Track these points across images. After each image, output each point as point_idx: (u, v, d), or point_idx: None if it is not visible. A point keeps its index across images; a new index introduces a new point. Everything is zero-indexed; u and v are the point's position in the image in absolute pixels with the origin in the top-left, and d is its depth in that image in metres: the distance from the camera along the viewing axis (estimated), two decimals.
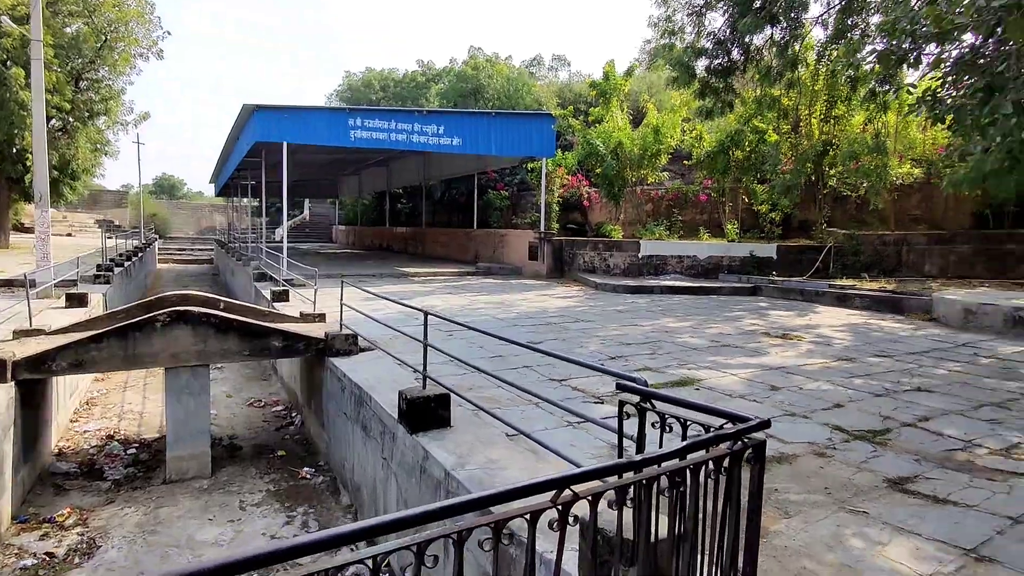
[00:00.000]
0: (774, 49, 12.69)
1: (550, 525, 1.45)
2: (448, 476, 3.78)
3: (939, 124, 8.06)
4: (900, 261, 15.41)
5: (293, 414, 9.01)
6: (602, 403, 5.20)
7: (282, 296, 10.94)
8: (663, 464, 1.76)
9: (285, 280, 12.35)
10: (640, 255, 16.18)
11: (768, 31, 12.82)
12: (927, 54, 6.32)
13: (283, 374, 10.36)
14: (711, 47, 13.50)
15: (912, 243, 15.57)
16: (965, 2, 5.89)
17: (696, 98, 13.74)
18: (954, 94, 6.63)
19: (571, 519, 1.46)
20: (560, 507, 1.45)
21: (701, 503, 1.87)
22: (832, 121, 16.02)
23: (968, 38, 6.19)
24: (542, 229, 17.78)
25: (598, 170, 17.49)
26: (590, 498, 1.52)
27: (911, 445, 4.26)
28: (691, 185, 18.82)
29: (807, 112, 16.40)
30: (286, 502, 6.23)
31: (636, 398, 2.28)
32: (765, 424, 1.90)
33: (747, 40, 13.16)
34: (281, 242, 16.96)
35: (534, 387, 5.62)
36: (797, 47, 13.09)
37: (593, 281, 15.04)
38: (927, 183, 16.15)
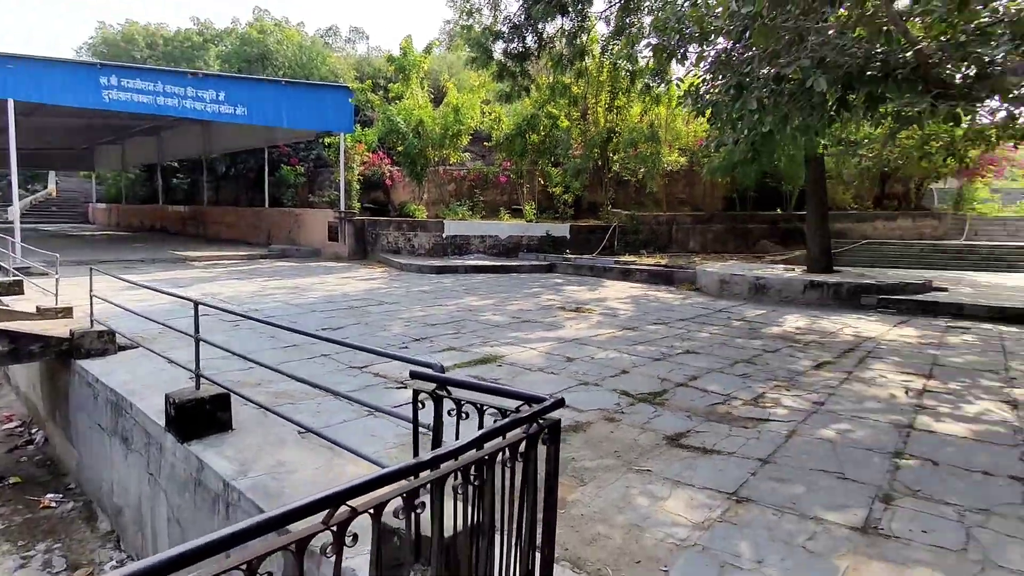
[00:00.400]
0: (564, 38, 13.38)
1: (323, 551, 1.23)
2: (228, 487, 3.31)
3: (700, 117, 9.13)
4: (671, 239, 17.47)
5: (33, 431, 7.43)
6: (405, 388, 5.01)
7: (13, 288, 8.93)
8: (460, 458, 1.63)
9: (18, 268, 10.14)
10: (444, 235, 16.20)
11: (559, 21, 13.47)
12: (692, 52, 7.05)
13: (19, 383, 8.50)
14: (507, 31, 13.80)
15: (680, 223, 17.73)
16: (719, 10, 6.67)
17: (494, 80, 14.01)
18: (712, 91, 7.51)
19: (349, 539, 1.24)
20: (335, 528, 1.23)
21: (499, 488, 1.78)
22: (615, 111, 17.48)
23: (723, 41, 7.01)
24: (342, 208, 16.92)
25: (400, 148, 17.08)
26: (372, 511, 1.32)
27: (684, 403, 4.74)
28: (492, 166, 19.28)
29: (594, 101, 17.67)
30: (20, 540, 5.08)
31: (431, 385, 2.13)
32: (559, 403, 1.86)
33: (540, 27, 13.69)
34: (13, 222, 13.88)
35: (332, 376, 5.25)
36: (585, 39, 13.94)
37: (398, 262, 14.72)
38: (690, 170, 18.45)
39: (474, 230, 16.56)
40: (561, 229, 16.94)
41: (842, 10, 6.60)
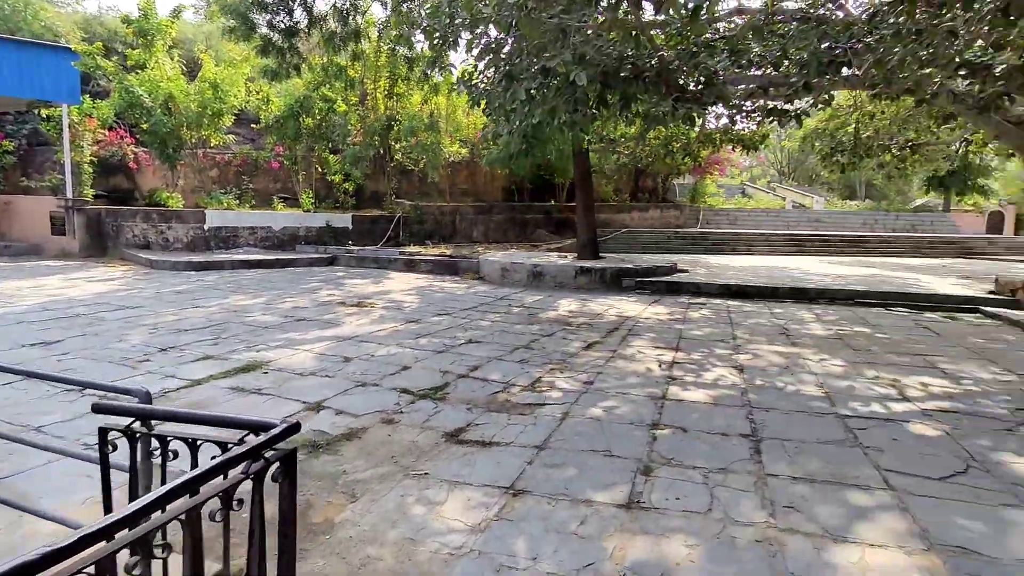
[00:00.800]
0: (337, 16, 12.61)
1: None
2: None
3: (477, 108, 9.22)
4: (455, 229, 17.68)
5: None
6: None
7: None
8: (167, 509, 1.23)
9: None
10: (206, 227, 14.39)
11: None
12: (463, 39, 7.00)
13: None
14: (273, 2, 12.60)
15: (463, 213, 18.03)
16: None
17: (259, 55, 12.71)
18: (485, 80, 7.57)
19: None
20: None
21: (222, 540, 1.40)
22: (395, 98, 17.08)
23: (495, 30, 7.07)
24: (70, 195, 14.07)
25: (145, 126, 14.70)
26: None
27: (465, 395, 4.65)
28: (262, 151, 17.61)
29: (373, 87, 17.06)
30: None
31: (126, 420, 1.64)
32: (293, 428, 1.52)
33: (310, 2, 12.74)
34: None
35: (39, 404, 4.20)
36: (360, 20, 13.32)
37: (147, 258, 12.68)
38: (472, 161, 18.87)
39: (243, 221, 14.97)
40: (343, 219, 16.13)
41: (598, 15, 7.05)
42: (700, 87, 7.05)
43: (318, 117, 16.26)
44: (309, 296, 9.44)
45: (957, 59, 6.09)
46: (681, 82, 7.31)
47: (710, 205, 25.47)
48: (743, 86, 7.72)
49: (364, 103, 17.15)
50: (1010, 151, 12.33)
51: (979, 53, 6.85)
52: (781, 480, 3.21)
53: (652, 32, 7.31)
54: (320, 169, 17.47)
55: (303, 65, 13.25)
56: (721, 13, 7.67)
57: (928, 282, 11.66)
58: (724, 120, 12.47)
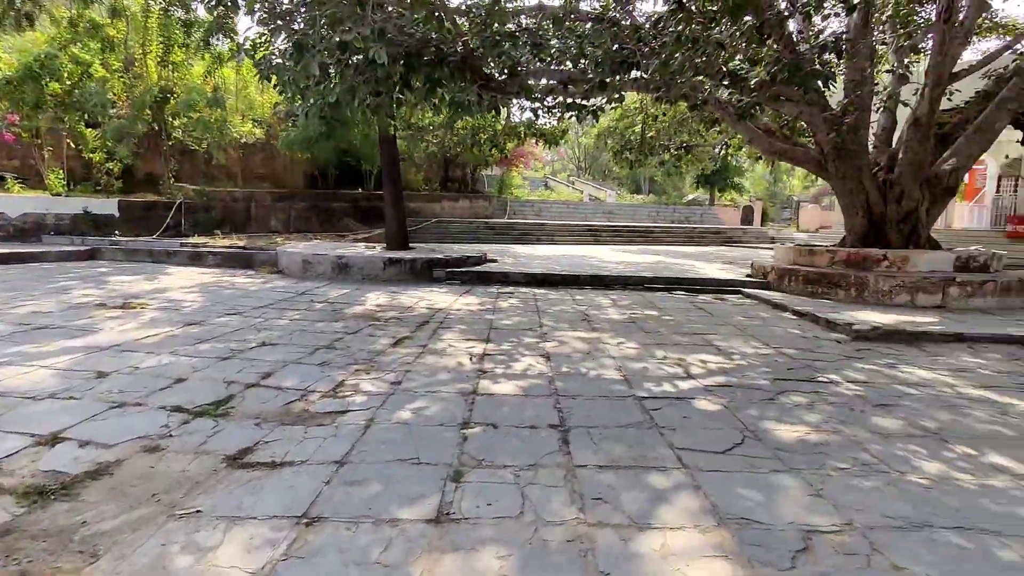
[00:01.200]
0: None
1: None
2: None
3: (267, 83, 8.29)
4: (250, 217, 16.07)
5: None
6: None
7: None
8: None
9: None
10: None
11: None
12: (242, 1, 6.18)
13: None
14: None
15: (259, 200, 16.45)
16: None
17: None
18: (274, 51, 6.79)
19: None
20: None
21: None
22: (171, 67, 14.92)
23: None
24: None
25: None
26: None
27: (254, 408, 4.06)
28: None
29: (142, 51, 14.71)
30: None
31: None
32: None
33: None
34: None
35: None
36: None
37: None
38: (269, 143, 17.26)
39: None
40: (106, 205, 13.74)
41: None
42: (504, 77, 7.05)
43: (68, 82, 13.53)
44: (57, 297, 7.80)
45: (724, 68, 6.81)
46: (487, 71, 7.26)
47: (516, 196, 26.45)
48: (544, 80, 7.91)
49: (130, 70, 14.69)
50: (758, 155, 14.46)
51: (739, 66, 7.78)
52: (589, 470, 3.22)
53: (458, 20, 7.14)
54: (74, 145, 14.63)
55: (41, 15, 10.86)
56: (523, 6, 7.77)
57: (701, 268, 13.23)
58: (528, 114, 12.84)
